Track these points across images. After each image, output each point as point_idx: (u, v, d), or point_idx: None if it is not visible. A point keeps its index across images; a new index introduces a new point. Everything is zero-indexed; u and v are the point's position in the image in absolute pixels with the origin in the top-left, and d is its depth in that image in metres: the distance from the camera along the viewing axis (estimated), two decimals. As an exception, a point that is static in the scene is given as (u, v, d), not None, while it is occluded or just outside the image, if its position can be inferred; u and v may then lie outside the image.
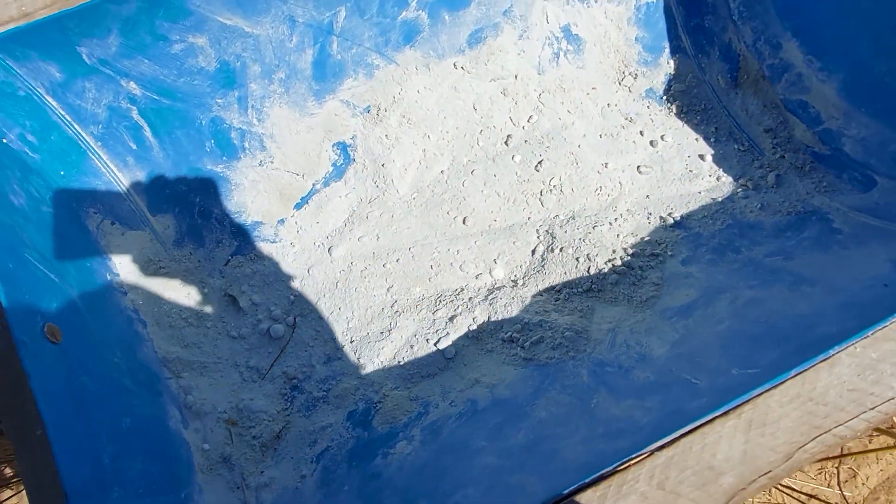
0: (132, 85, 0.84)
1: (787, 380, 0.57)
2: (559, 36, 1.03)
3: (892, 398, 0.56)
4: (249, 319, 0.99)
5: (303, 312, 0.99)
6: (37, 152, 0.83)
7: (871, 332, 0.58)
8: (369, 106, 0.99)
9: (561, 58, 1.04)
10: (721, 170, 1.01)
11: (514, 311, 0.92)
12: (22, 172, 0.80)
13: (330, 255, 0.99)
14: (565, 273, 0.94)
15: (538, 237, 0.98)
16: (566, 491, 0.54)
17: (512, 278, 0.96)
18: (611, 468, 0.55)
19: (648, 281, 0.91)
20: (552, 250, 0.96)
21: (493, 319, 0.92)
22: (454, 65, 1.00)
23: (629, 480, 0.55)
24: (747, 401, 0.57)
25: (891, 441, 1.01)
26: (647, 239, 0.96)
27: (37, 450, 0.64)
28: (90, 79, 0.82)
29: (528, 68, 1.03)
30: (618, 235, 0.96)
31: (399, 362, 0.92)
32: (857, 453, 1.01)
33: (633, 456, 0.55)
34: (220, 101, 0.91)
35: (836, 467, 1.03)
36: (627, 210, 0.99)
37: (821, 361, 0.58)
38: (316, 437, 0.88)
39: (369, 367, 0.93)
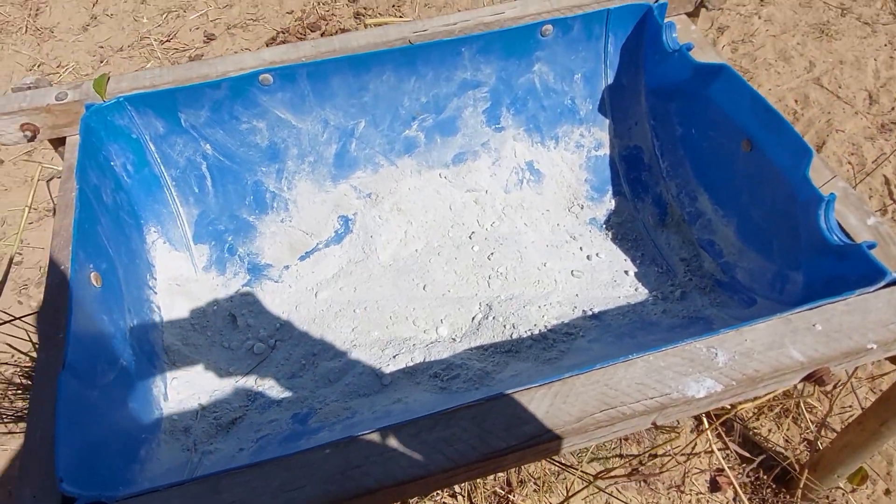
0: (207, 146, 1.21)
1: (593, 371, 0.75)
2: (524, 168, 1.35)
3: (667, 394, 0.73)
4: (241, 336, 1.23)
5: (283, 338, 1.22)
6: (130, 178, 1.19)
7: (663, 350, 0.77)
8: (371, 193, 1.31)
9: (524, 184, 1.35)
10: (640, 283, 1.24)
11: (444, 356, 1.12)
12: (115, 186, 1.15)
13: (315, 297, 1.26)
14: (493, 336, 1.15)
15: (479, 308, 1.21)
16: (393, 423, 0.72)
17: (452, 336, 1.18)
18: (448, 409, 0.73)
19: (556, 349, 1.10)
20: (487, 318, 1.18)
21: (426, 360, 1.12)
22: (440, 174, 1.33)
23: (456, 417, 0.72)
24: (560, 380, 0.75)
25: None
26: (566, 322, 1.17)
27: (54, 349, 0.88)
28: (181, 136, 1.19)
29: (496, 187, 1.34)
30: (543, 316, 1.17)
31: (346, 384, 1.12)
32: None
33: (465, 404, 0.74)
34: (264, 169, 1.26)
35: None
36: (558, 301, 1.21)
37: (622, 363, 0.76)
38: (262, 427, 1.06)
39: (322, 385, 1.13)
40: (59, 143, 1.18)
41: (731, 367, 0.75)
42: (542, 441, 0.71)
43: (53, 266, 0.96)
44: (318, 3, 2.47)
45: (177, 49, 2.40)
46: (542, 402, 0.73)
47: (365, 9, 2.46)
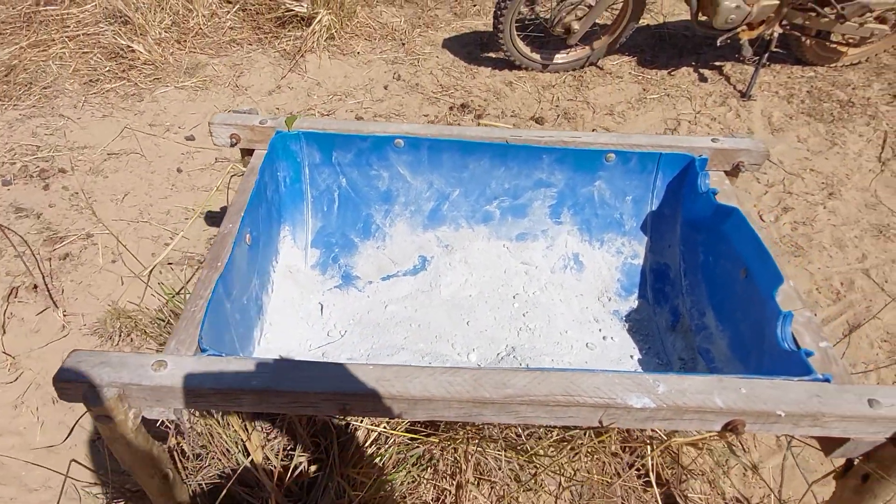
0: (343, 180, 1.66)
1: (565, 372, 1.04)
2: (570, 257, 1.69)
3: (613, 398, 1.00)
4: (322, 321, 1.60)
5: (352, 331, 1.58)
6: (285, 188, 1.65)
7: (621, 373, 1.05)
8: (448, 245, 1.69)
9: (567, 270, 1.69)
10: (640, 367, 1.50)
11: (468, 371, 1.42)
12: (275, 188, 1.61)
13: (384, 308, 1.61)
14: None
15: (505, 349, 1.51)
16: (421, 365, 1.04)
17: (478, 363, 1.48)
18: (456, 367, 1.04)
19: (556, 388, 1.37)
20: (509, 356, 1.48)
21: (454, 371, 1.42)
22: (503, 245, 1.69)
23: (460, 373, 1.03)
24: (539, 370, 1.04)
25: None
26: (571, 376, 1.44)
27: (213, 270, 1.28)
28: (328, 168, 1.65)
29: (545, 266, 1.68)
30: (553, 367, 1.46)
31: (388, 371, 1.44)
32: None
33: (467, 368, 1.04)
34: (376, 206, 1.69)
35: None
36: (569, 362, 1.50)
37: (587, 373, 1.04)
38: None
39: (370, 369, 1.45)
40: (247, 153, 1.67)
41: (667, 395, 1.02)
42: (516, 402, 1.00)
43: (225, 223, 1.39)
44: (450, 113, 3.04)
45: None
46: (523, 379, 1.03)
47: (486, 124, 3.00)
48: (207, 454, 1.48)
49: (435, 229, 1.70)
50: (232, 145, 1.63)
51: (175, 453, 1.40)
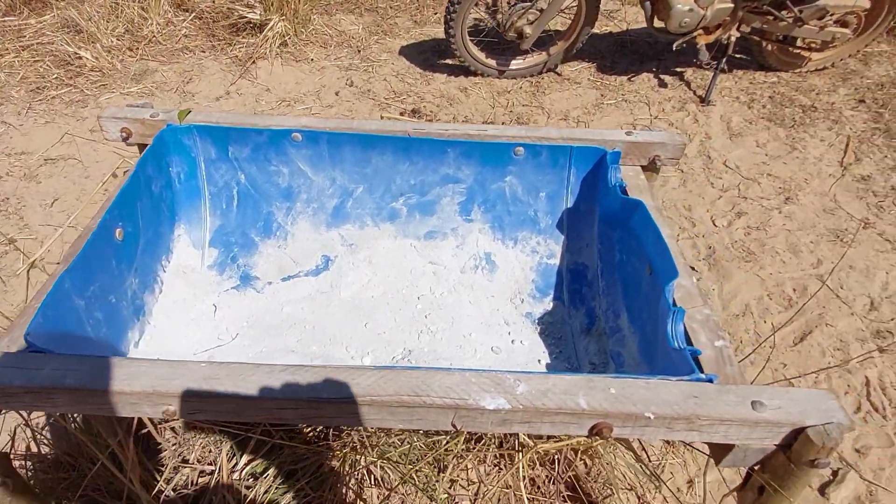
0: (241, 175, 1.58)
1: (418, 370, 0.95)
2: (482, 257, 1.60)
3: (465, 399, 0.90)
4: (214, 323, 1.50)
5: (244, 334, 1.48)
6: (180, 184, 1.56)
7: (479, 372, 0.95)
8: (353, 243, 1.60)
9: (478, 270, 1.59)
10: (547, 371, 1.40)
11: (355, 376, 1.32)
12: (166, 184, 1.52)
13: (281, 310, 1.52)
14: (402, 373, 1.34)
15: (402, 352, 1.41)
16: (270, 365, 0.95)
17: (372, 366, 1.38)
18: (303, 365, 0.95)
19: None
20: (404, 359, 1.38)
21: (340, 375, 1.32)
22: (411, 244, 1.60)
23: (302, 370, 0.94)
24: (389, 369, 0.95)
25: None
26: (467, 381, 1.34)
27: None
28: (225, 163, 1.57)
29: (454, 266, 1.59)
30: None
31: (272, 376, 1.34)
32: None
33: (312, 366, 0.95)
34: (277, 204, 1.60)
35: None
36: (470, 366, 1.39)
37: (443, 371, 0.95)
38: (194, 387, 1.29)
39: (254, 374, 1.36)
40: (142, 147, 1.59)
41: (526, 396, 0.92)
42: (357, 402, 0.90)
43: (97, 215, 1.30)
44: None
45: (279, 128, 2.95)
46: (369, 378, 0.93)
47: (389, 117, 2.93)
48: (76, 464, 1.38)
49: (339, 227, 1.62)
50: (124, 139, 1.55)
51: (31, 461, 1.30)
